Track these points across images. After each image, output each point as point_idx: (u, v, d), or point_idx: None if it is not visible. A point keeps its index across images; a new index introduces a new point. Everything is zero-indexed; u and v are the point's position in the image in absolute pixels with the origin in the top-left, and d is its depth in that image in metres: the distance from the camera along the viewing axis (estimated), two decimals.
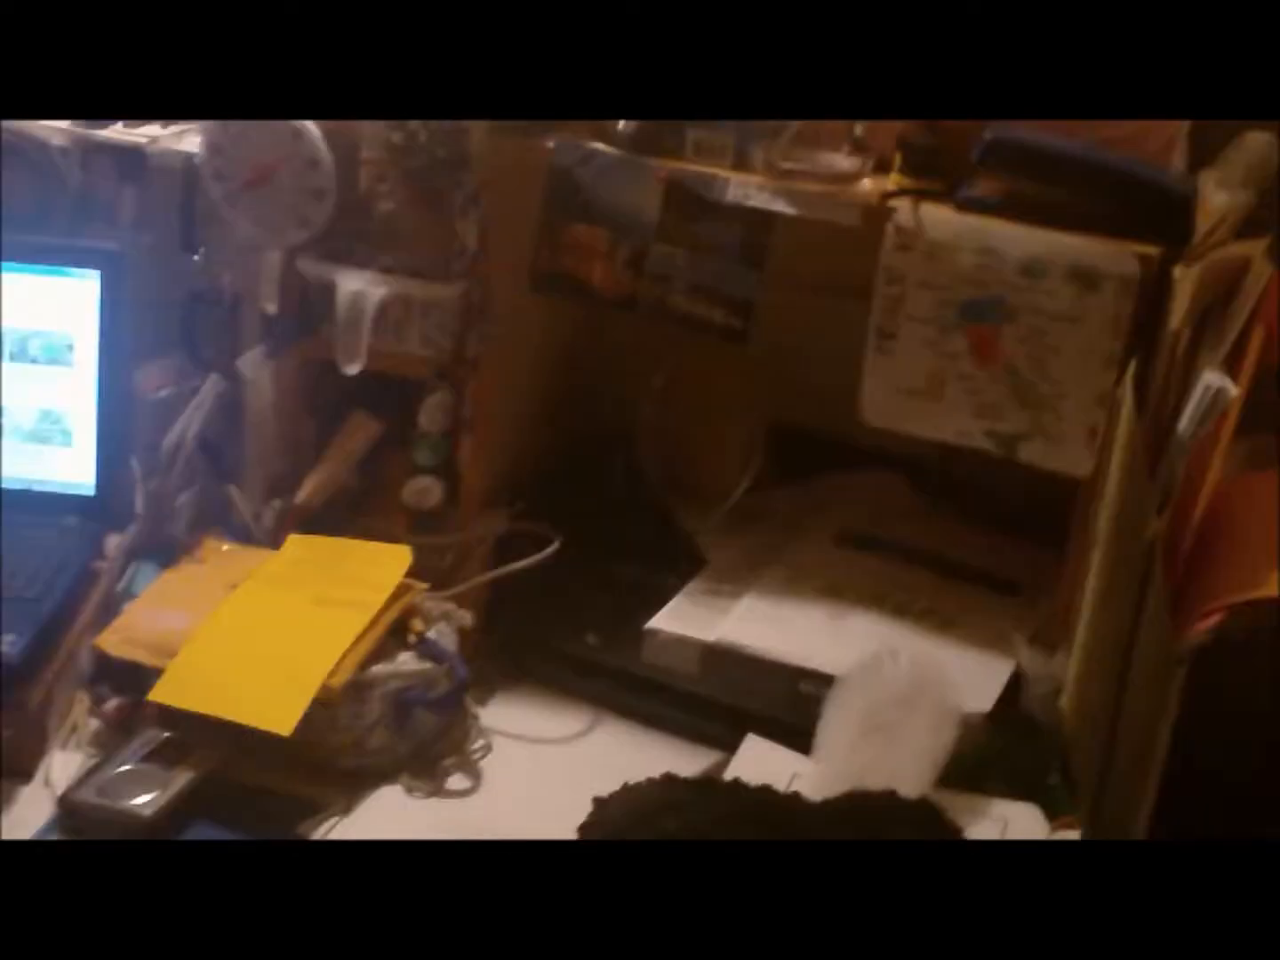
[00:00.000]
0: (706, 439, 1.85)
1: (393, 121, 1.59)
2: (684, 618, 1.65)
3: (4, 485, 1.71)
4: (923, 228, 1.53)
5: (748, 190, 1.58)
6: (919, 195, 1.54)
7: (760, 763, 1.49)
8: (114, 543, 1.69)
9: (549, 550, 1.63)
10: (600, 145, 1.63)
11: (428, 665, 1.55)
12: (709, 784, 1.45)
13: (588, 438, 1.81)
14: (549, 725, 1.63)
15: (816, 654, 1.57)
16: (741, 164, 1.60)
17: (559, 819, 1.40)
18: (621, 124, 1.62)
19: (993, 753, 1.48)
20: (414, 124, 1.58)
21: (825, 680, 1.52)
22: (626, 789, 1.40)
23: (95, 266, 1.71)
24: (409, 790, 1.52)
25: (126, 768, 1.47)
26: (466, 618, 1.61)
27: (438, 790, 1.53)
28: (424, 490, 1.69)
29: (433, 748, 1.56)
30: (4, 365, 1.71)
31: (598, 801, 1.39)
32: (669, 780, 1.42)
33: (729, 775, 1.47)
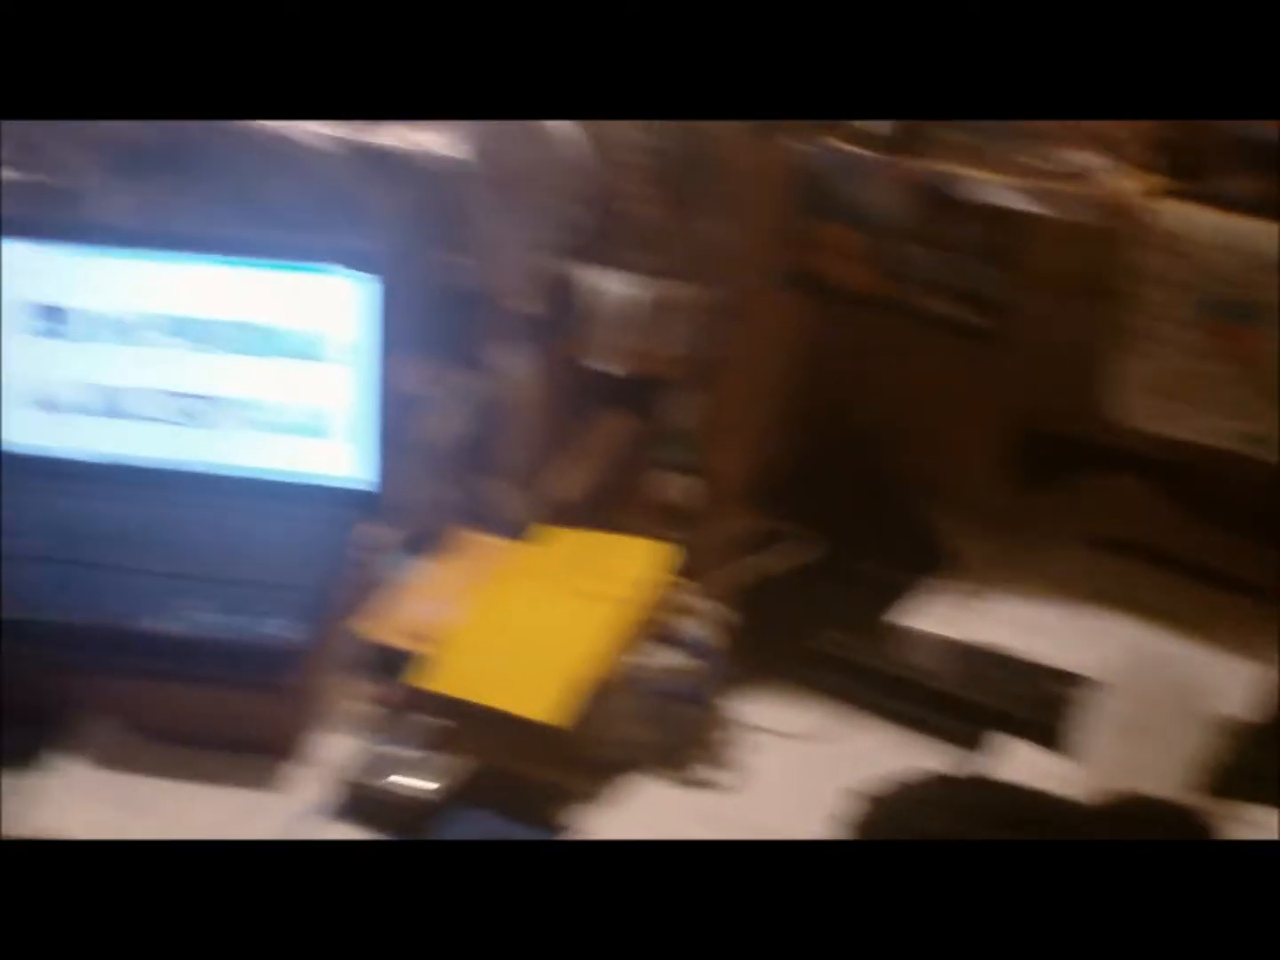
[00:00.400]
0: (954, 439, 1.86)
1: (647, 126, 1.63)
2: (930, 615, 1.67)
3: (272, 477, 1.79)
4: (1175, 226, 1.52)
5: (995, 189, 1.59)
6: (1171, 193, 1.54)
7: (1016, 762, 1.50)
8: (379, 535, 1.76)
9: (806, 549, 1.66)
10: (849, 145, 1.65)
11: (683, 659, 1.58)
12: (973, 783, 1.47)
13: (835, 436, 1.83)
14: (797, 720, 1.65)
15: (1065, 654, 1.58)
16: (988, 163, 1.60)
17: (810, 812, 1.44)
18: (869, 124, 1.64)
19: (1253, 759, 1.47)
20: (663, 127, 1.61)
21: (1073, 680, 1.53)
22: (899, 785, 1.42)
23: (361, 266, 1.77)
24: (662, 781, 1.56)
25: (397, 751, 1.53)
26: (722, 613, 1.64)
27: (690, 782, 1.57)
28: (675, 488, 1.73)
29: (686, 740, 1.59)
30: (272, 361, 1.78)
31: (870, 799, 1.41)
32: (937, 779, 1.44)
33: (979, 773, 1.49)
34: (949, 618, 1.66)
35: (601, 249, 1.72)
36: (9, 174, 2.03)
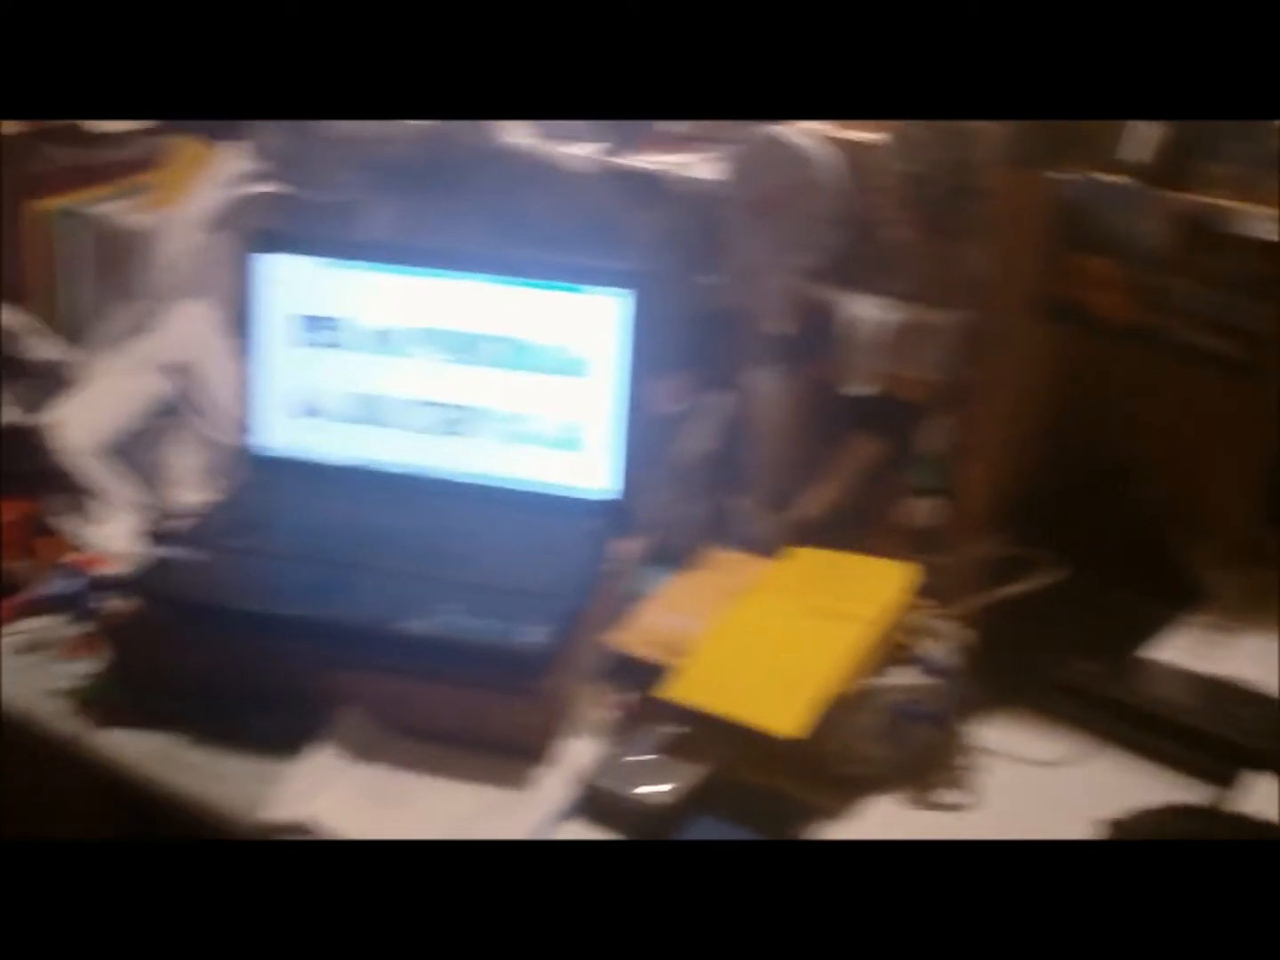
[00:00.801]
0: (1209, 471, 1.84)
1: (912, 152, 1.64)
2: (1181, 649, 1.65)
3: (527, 488, 1.84)
4: None
5: (1261, 222, 1.58)
6: None
7: (1259, 799, 1.48)
8: (627, 547, 1.80)
9: (1052, 576, 1.65)
10: (1112, 177, 1.64)
11: (926, 680, 1.59)
12: (1217, 816, 1.45)
13: (1087, 464, 1.82)
14: (1039, 748, 1.65)
15: None
16: (1254, 195, 1.59)
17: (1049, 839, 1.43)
18: (1135, 155, 1.63)
19: None
20: (934, 155, 1.63)
21: None
22: (1144, 813, 1.41)
23: (619, 285, 1.81)
24: (901, 801, 1.57)
25: (641, 758, 1.56)
26: (966, 637, 1.65)
27: (929, 802, 1.57)
28: (922, 511, 1.73)
29: (926, 761, 1.60)
30: (529, 375, 1.83)
31: (1113, 824, 1.41)
32: (1181, 810, 1.43)
33: (1224, 807, 1.47)
34: (1198, 651, 1.64)
35: (855, 272, 1.73)
36: (276, 189, 2.12)
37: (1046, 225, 1.67)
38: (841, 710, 1.55)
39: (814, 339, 1.77)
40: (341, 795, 1.55)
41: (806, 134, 1.71)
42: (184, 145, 2.18)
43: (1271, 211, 1.56)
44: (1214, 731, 1.59)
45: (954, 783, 1.59)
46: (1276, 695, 1.57)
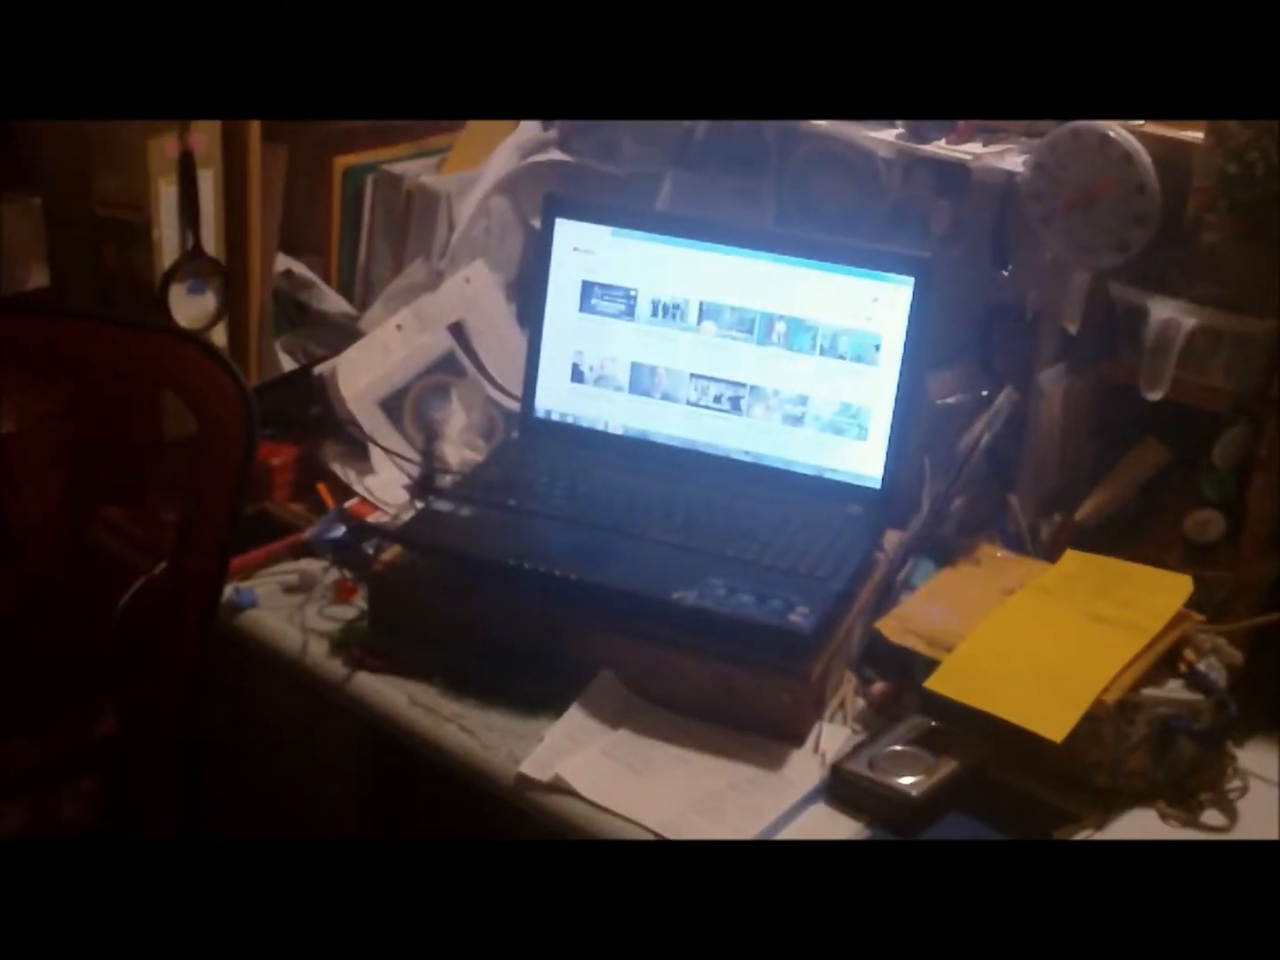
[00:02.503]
0: None
1: (1229, 152, 1.59)
2: None
3: (801, 470, 1.83)
4: None
5: None
6: None
7: None
8: (894, 536, 1.77)
9: None
10: None
11: (1197, 696, 1.54)
12: None
13: None
14: None
15: None
16: None
17: None
18: None
19: None
20: (1252, 156, 1.58)
21: None
22: None
23: (909, 273, 1.78)
24: (1163, 817, 1.52)
25: (895, 748, 1.54)
26: (1237, 656, 1.59)
27: (1192, 822, 1.52)
28: (1206, 523, 1.68)
29: (1189, 779, 1.55)
30: (814, 358, 1.81)
31: None
32: None
33: None
34: None
35: (1161, 274, 1.68)
36: (563, 155, 2.14)
37: None
38: (1106, 720, 1.51)
39: (1109, 339, 1.73)
40: (592, 758, 1.55)
41: (1122, 129, 1.66)
42: None
43: None
44: None
45: (1218, 804, 1.54)
46: None
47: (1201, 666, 1.57)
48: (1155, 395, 1.66)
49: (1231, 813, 1.54)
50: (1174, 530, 1.70)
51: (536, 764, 1.54)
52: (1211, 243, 1.64)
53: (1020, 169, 1.77)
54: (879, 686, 1.65)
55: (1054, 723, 1.46)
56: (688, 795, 1.51)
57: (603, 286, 1.90)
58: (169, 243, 1.92)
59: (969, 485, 1.79)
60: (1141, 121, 1.69)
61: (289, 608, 1.77)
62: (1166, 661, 1.57)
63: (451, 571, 1.71)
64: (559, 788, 1.51)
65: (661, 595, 1.61)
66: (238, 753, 1.85)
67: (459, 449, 1.97)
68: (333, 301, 2.16)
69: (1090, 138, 1.69)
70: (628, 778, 1.53)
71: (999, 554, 1.76)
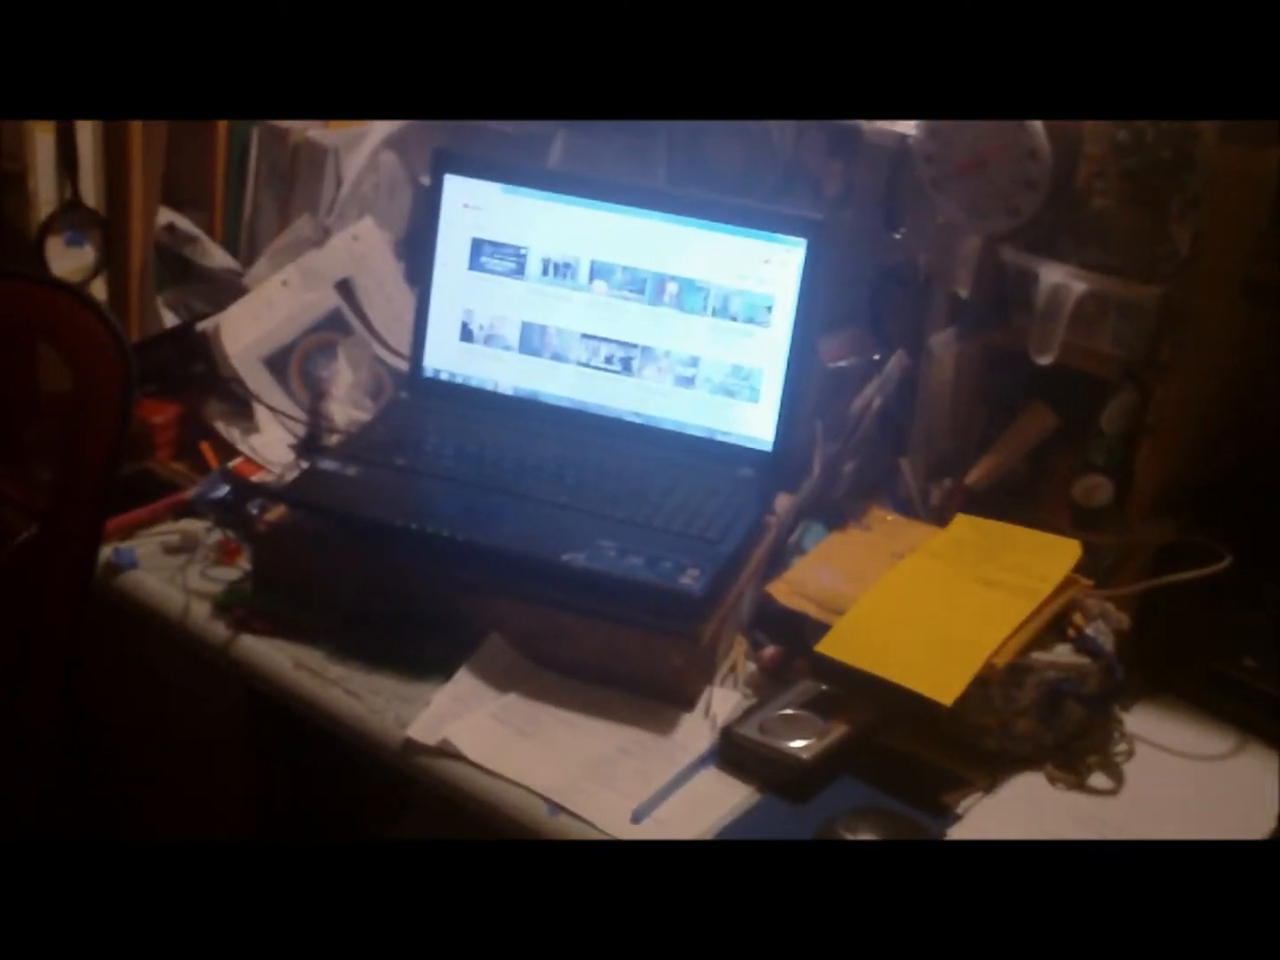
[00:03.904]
0: None
1: (1120, 120, 1.59)
2: None
3: (692, 432, 1.81)
4: None
5: None
6: None
7: None
8: (786, 499, 1.77)
9: (1218, 565, 1.60)
10: None
11: (1084, 660, 1.55)
12: None
13: (1267, 453, 1.76)
14: (1192, 741, 1.61)
15: None
16: None
17: (1196, 833, 1.40)
18: None
19: None
20: (1142, 123, 1.58)
21: None
22: None
23: (801, 234, 1.77)
24: (1051, 780, 1.54)
25: (786, 712, 1.54)
26: (1124, 620, 1.60)
27: (1079, 785, 1.53)
28: (1094, 488, 1.68)
29: (1076, 743, 1.56)
30: (706, 319, 1.80)
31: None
32: None
33: None
34: None
35: (1046, 238, 1.68)
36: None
37: (1259, 204, 1.61)
38: (995, 683, 1.51)
39: (998, 304, 1.73)
40: (481, 721, 1.53)
41: None
42: None
43: None
44: None
45: (1104, 767, 1.55)
46: None
47: (1089, 631, 1.58)
48: (1045, 360, 1.66)
49: (1118, 775, 1.55)
50: (1063, 495, 1.71)
51: (424, 728, 1.52)
52: (1101, 208, 1.64)
53: (912, 132, 1.76)
54: (770, 650, 1.64)
55: (943, 686, 1.46)
56: (578, 760, 1.50)
57: (493, 244, 1.88)
58: (46, 193, 1.87)
59: (860, 449, 1.79)
60: None
61: (170, 569, 1.74)
62: (1055, 626, 1.58)
63: (337, 532, 1.68)
64: (447, 752, 1.49)
65: (551, 556, 1.60)
66: (118, 719, 1.81)
67: (346, 408, 1.94)
68: (217, 257, 2.12)
69: None
70: (517, 742, 1.52)
71: (889, 518, 1.76)
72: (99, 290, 1.94)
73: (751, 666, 1.64)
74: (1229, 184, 1.58)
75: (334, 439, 1.86)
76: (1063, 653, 1.56)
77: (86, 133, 1.87)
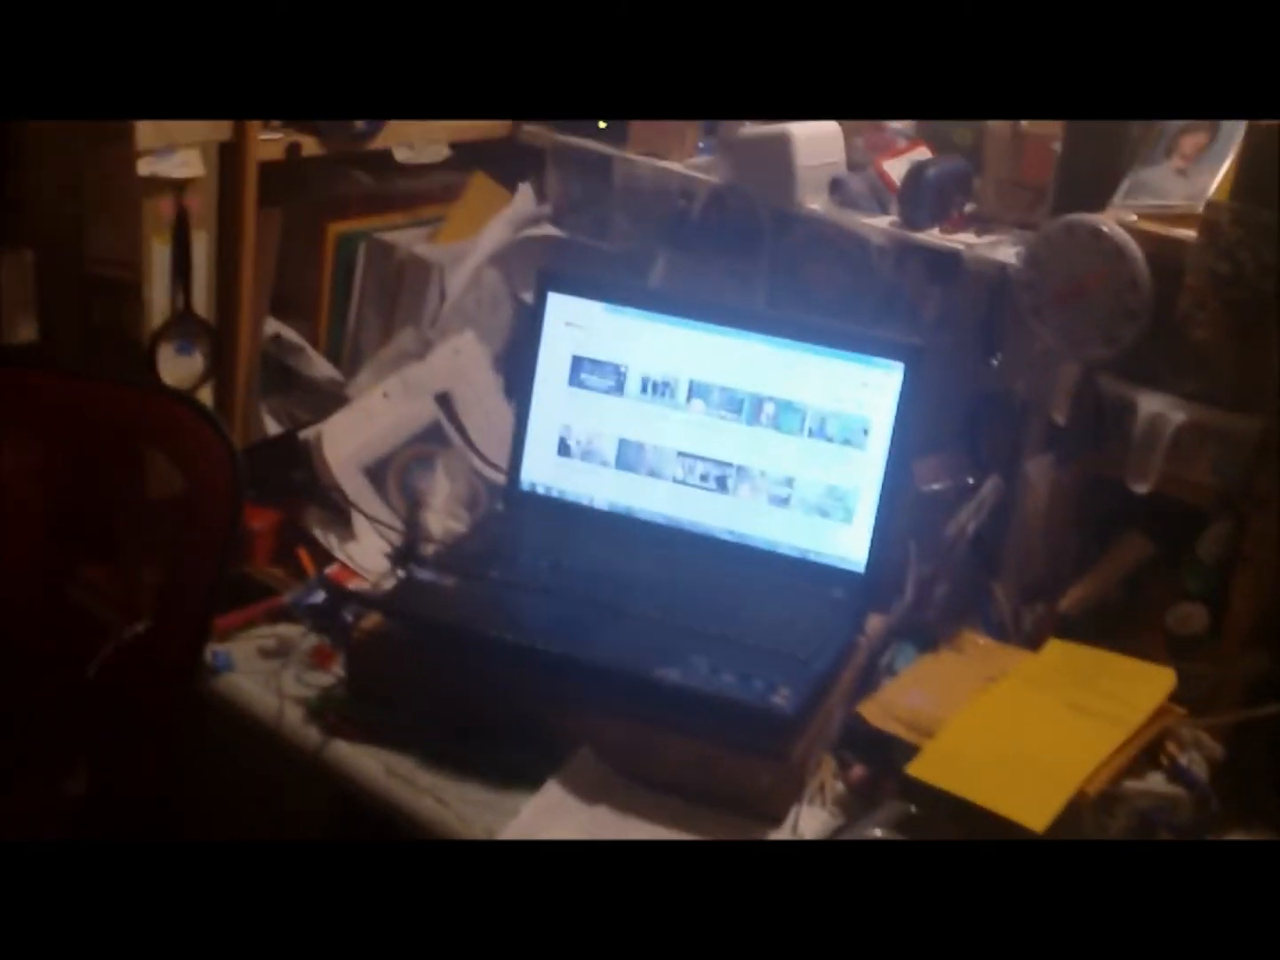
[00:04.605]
0: None
1: (1220, 251, 1.60)
2: None
3: (786, 551, 1.83)
4: None
5: None
6: None
7: None
8: (877, 620, 1.77)
9: None
10: None
11: (1177, 789, 1.55)
12: None
13: None
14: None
15: None
16: None
17: None
18: None
19: None
20: (1242, 255, 1.59)
21: None
22: None
23: (899, 359, 1.79)
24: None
25: (874, 833, 1.53)
26: (1218, 749, 1.60)
27: None
28: (1189, 616, 1.68)
29: None
30: (802, 440, 1.82)
31: None
32: None
33: None
34: None
35: (1145, 367, 1.69)
36: (557, 231, 2.15)
37: None
38: (1087, 810, 1.50)
39: (1094, 431, 1.74)
40: (567, 834, 1.53)
41: (1116, 224, 1.68)
42: (479, 182, 2.22)
43: None
44: None
45: None
46: None
47: (1182, 760, 1.57)
48: (1142, 489, 1.67)
49: None
50: (1157, 623, 1.71)
51: (513, 839, 1.52)
52: (1201, 339, 1.65)
53: (1012, 259, 1.79)
54: (858, 770, 1.64)
55: (1035, 812, 1.45)
56: None
57: (593, 361, 1.91)
58: (159, 302, 1.92)
59: (953, 571, 1.79)
60: (1135, 217, 1.70)
61: (266, 672, 1.75)
62: (1148, 754, 1.58)
63: (431, 641, 1.70)
64: None
65: (644, 672, 1.60)
66: (210, 818, 1.83)
67: (442, 519, 1.96)
68: (320, 367, 2.15)
69: (1083, 231, 1.70)
70: None
71: (981, 641, 1.76)
72: (205, 397, 1.98)
73: (840, 786, 1.64)
74: None
75: (430, 549, 1.88)
76: (1156, 781, 1.56)
77: (201, 243, 1.92)
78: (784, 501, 1.84)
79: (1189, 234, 1.66)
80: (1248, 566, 1.65)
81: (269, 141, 1.96)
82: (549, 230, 2.21)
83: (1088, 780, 1.49)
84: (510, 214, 2.20)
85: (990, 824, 1.48)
